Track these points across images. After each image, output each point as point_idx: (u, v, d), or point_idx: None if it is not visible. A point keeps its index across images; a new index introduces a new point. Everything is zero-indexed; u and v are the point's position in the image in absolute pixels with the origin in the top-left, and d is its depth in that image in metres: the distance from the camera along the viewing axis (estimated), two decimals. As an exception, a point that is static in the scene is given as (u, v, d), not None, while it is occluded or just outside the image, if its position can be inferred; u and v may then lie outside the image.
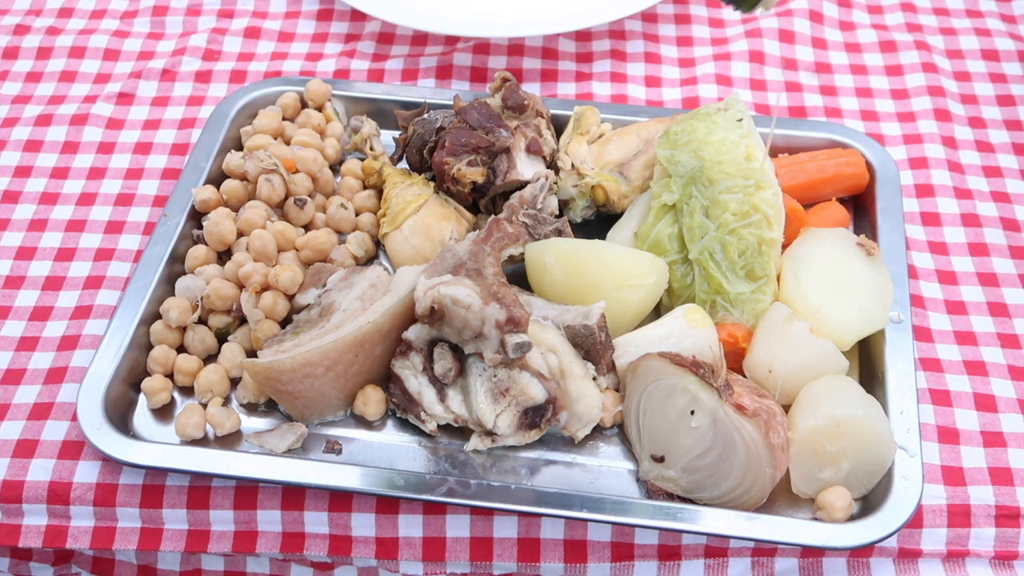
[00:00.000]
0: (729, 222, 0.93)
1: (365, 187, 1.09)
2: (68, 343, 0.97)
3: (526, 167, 1.04)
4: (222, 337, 0.97)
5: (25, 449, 0.89)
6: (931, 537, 0.85)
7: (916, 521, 0.85)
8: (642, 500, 0.85)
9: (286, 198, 1.04)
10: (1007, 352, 0.97)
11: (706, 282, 0.94)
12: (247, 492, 0.87)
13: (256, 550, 0.86)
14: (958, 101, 1.20)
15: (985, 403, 0.93)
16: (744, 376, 0.91)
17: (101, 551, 0.93)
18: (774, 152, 1.08)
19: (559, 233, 1.00)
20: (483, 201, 1.06)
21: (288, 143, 1.10)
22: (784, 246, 0.96)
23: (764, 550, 0.86)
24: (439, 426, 0.90)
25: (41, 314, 1.00)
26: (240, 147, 1.11)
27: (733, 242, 0.93)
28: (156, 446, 0.88)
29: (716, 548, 0.86)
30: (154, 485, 0.87)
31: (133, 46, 1.29)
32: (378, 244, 1.06)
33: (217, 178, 1.07)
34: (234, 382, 0.94)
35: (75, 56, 1.27)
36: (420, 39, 1.29)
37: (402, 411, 0.91)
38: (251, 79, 1.24)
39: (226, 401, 0.93)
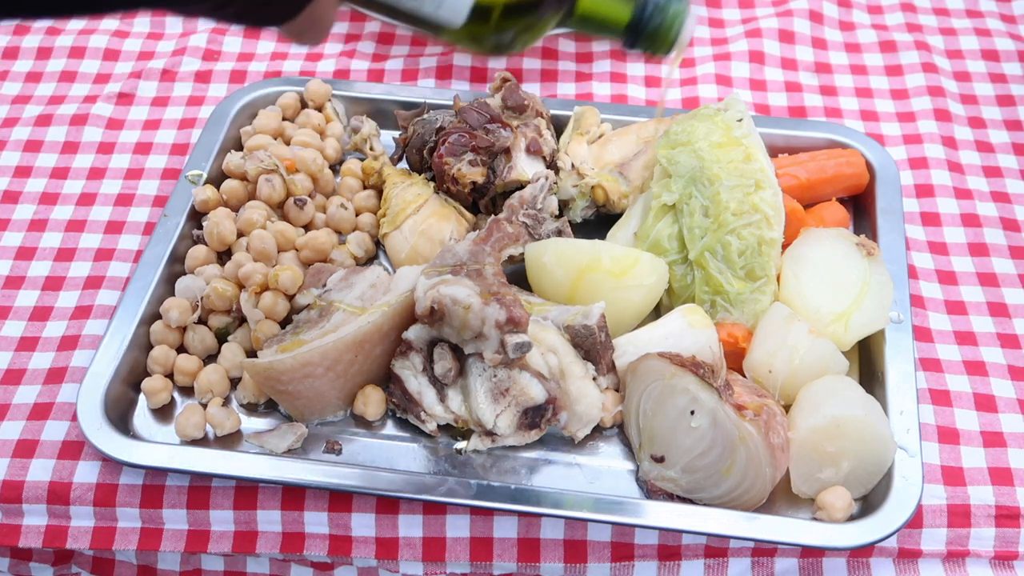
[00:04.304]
0: (729, 222, 0.93)
1: (365, 187, 1.09)
2: (68, 343, 0.97)
3: (526, 167, 1.04)
4: (222, 337, 0.97)
5: (25, 449, 0.89)
6: (931, 537, 0.85)
7: (916, 521, 0.85)
8: (642, 500, 0.85)
9: (286, 198, 1.04)
10: (1007, 352, 0.97)
11: (706, 282, 0.94)
12: (247, 492, 0.87)
13: (256, 550, 0.86)
14: (958, 101, 1.20)
15: (985, 403, 0.93)
16: (744, 376, 0.91)
17: (101, 551, 0.93)
18: (774, 152, 1.08)
19: (559, 233, 1.00)
20: (483, 201, 1.06)
21: (288, 143, 1.10)
22: (784, 246, 0.96)
23: (764, 550, 0.86)
24: (439, 426, 0.90)
25: (41, 314, 1.00)
26: (240, 147, 1.11)
27: (733, 242, 0.93)
28: (156, 446, 0.88)
29: (716, 548, 0.86)
30: (154, 485, 0.87)
31: (133, 46, 1.29)
32: (378, 244, 1.06)
33: (217, 178, 1.08)
34: (234, 382, 0.94)
35: (75, 56, 1.27)
36: (420, 39, 1.29)
37: (402, 411, 0.91)
38: (251, 79, 1.24)
39: (226, 401, 0.93)
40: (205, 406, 0.91)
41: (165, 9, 0.65)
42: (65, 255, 1.05)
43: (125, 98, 1.22)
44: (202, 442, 0.90)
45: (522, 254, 0.98)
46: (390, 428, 0.92)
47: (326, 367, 0.87)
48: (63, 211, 1.10)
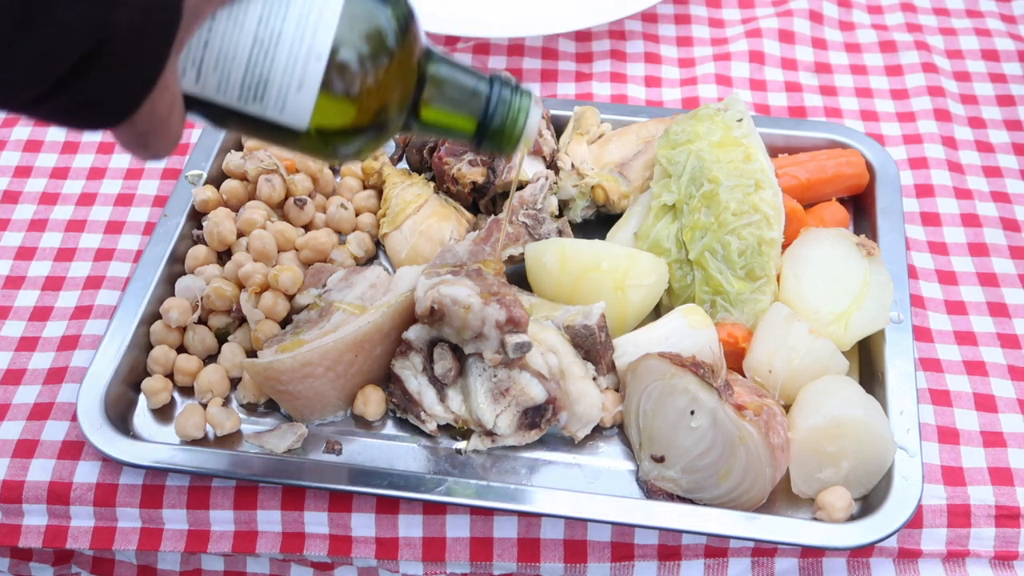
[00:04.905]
0: (729, 222, 0.93)
1: (365, 187, 1.09)
2: (68, 343, 0.97)
3: (526, 167, 1.04)
4: (222, 337, 0.97)
5: (25, 449, 0.89)
6: (931, 537, 0.85)
7: (916, 521, 0.85)
8: (642, 500, 0.85)
9: (286, 198, 1.04)
10: (1007, 352, 0.97)
11: (706, 282, 0.94)
12: (247, 492, 0.87)
13: (256, 550, 0.86)
14: (958, 101, 1.20)
15: (985, 403, 0.92)
16: (744, 376, 0.91)
17: (101, 551, 0.92)
18: (774, 152, 1.08)
19: (559, 233, 1.00)
20: (483, 201, 1.06)
21: (288, 143, 1.10)
22: (784, 246, 0.96)
23: (764, 550, 0.86)
24: (439, 426, 0.90)
25: (41, 314, 1.00)
26: (240, 147, 1.11)
27: (733, 242, 0.93)
28: (156, 446, 0.88)
29: (716, 548, 0.86)
30: (154, 485, 0.87)
31: (133, 46, 1.29)
32: (378, 244, 1.06)
33: (217, 178, 1.08)
34: (234, 382, 0.94)
35: (75, 56, 1.27)
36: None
37: (402, 411, 0.91)
38: (251, 79, 1.24)
39: (226, 401, 0.93)
40: (205, 406, 0.91)
41: None
42: (65, 255, 1.05)
43: (125, 98, 1.21)
44: (202, 442, 0.90)
45: (522, 254, 0.98)
46: (390, 428, 0.92)
47: (326, 367, 0.87)
48: (63, 211, 1.10)
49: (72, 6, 0.49)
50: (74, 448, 0.89)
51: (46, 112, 0.54)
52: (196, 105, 0.63)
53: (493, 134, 0.70)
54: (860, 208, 1.08)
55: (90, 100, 0.53)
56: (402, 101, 0.66)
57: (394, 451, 0.90)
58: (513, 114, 0.69)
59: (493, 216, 0.99)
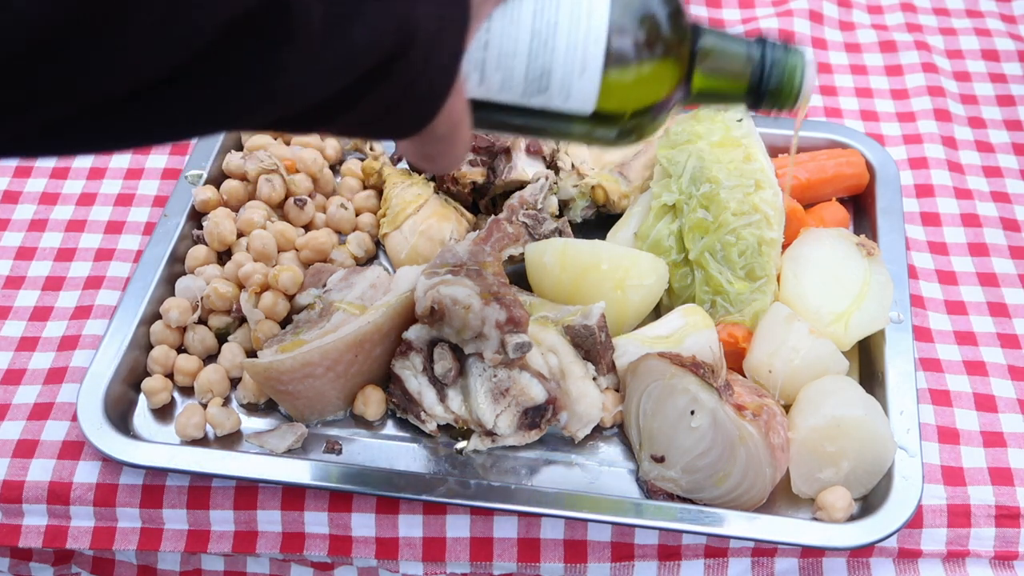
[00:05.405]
0: (729, 222, 0.93)
1: (365, 187, 1.09)
2: (68, 343, 0.97)
3: (526, 167, 1.04)
4: (222, 337, 0.97)
5: (25, 449, 0.89)
6: (931, 537, 0.85)
7: (916, 521, 0.85)
8: (642, 500, 0.85)
9: (286, 198, 1.04)
10: (1007, 352, 0.97)
11: (706, 282, 0.94)
12: (247, 492, 0.87)
13: (256, 550, 0.86)
14: (958, 101, 1.20)
15: (985, 403, 0.92)
16: (744, 376, 0.91)
17: (101, 551, 0.92)
18: (774, 152, 1.08)
19: (559, 233, 1.00)
20: (483, 201, 1.06)
21: (288, 143, 1.10)
22: (784, 246, 0.96)
23: (764, 550, 0.86)
24: (439, 426, 0.90)
25: (41, 314, 1.00)
26: (240, 147, 1.11)
27: (733, 242, 0.93)
28: (156, 446, 0.88)
29: (716, 548, 0.86)
30: (154, 485, 0.87)
31: (133, 46, 1.29)
32: (378, 244, 1.06)
33: (217, 178, 1.08)
34: (234, 382, 0.94)
35: (75, 56, 1.27)
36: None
37: (402, 411, 0.91)
38: (251, 79, 1.24)
39: (226, 401, 0.93)
40: (205, 406, 0.91)
41: (274, 130, 0.50)
42: (65, 255, 1.05)
43: (125, 98, 1.21)
44: (202, 442, 0.90)
45: (522, 254, 0.98)
46: (390, 428, 0.92)
47: (326, 367, 0.87)
48: (63, 211, 1.10)
49: (380, 3, 0.46)
50: (74, 448, 0.89)
51: (347, 123, 0.50)
52: (475, 108, 0.62)
53: (771, 94, 0.69)
54: (860, 208, 1.08)
55: (394, 105, 0.50)
56: (679, 72, 0.66)
57: (394, 451, 0.90)
58: (789, 73, 0.68)
59: (493, 216, 0.99)
